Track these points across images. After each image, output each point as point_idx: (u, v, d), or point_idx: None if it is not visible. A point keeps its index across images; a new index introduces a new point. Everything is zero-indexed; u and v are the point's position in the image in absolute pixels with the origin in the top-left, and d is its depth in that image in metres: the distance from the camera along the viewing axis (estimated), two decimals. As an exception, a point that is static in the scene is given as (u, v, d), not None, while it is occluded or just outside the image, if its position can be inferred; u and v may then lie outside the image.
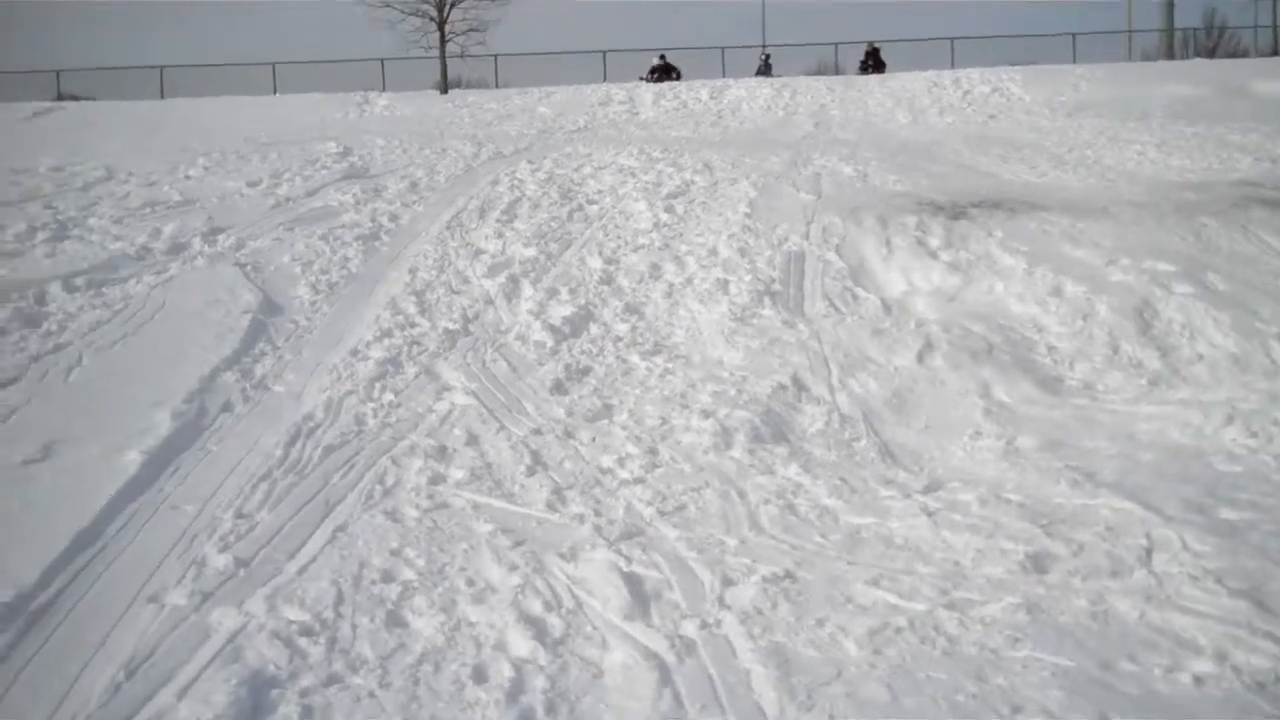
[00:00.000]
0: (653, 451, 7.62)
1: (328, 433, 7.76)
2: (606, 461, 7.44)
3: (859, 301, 11.08)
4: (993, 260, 11.73)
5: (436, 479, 7.04)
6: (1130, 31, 46.08)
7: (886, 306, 10.94)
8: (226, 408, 8.15)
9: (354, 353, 9.37)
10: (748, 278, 11.45)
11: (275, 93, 38.92)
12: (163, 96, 38.96)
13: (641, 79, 35.59)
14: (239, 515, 6.40)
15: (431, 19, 37.07)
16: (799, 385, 9.08)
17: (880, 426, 8.49)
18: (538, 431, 7.97)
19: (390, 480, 6.98)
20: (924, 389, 9.14)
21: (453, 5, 37.07)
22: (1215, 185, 14.65)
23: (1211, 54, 51.83)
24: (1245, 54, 47.91)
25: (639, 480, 7.13)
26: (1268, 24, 43.33)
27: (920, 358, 9.59)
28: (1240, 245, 11.81)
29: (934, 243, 12.22)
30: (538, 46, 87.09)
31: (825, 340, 9.99)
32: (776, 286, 11.33)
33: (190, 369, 8.70)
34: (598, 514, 6.54)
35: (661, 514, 6.56)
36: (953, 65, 36.44)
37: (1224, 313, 10.15)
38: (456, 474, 7.13)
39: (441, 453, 7.48)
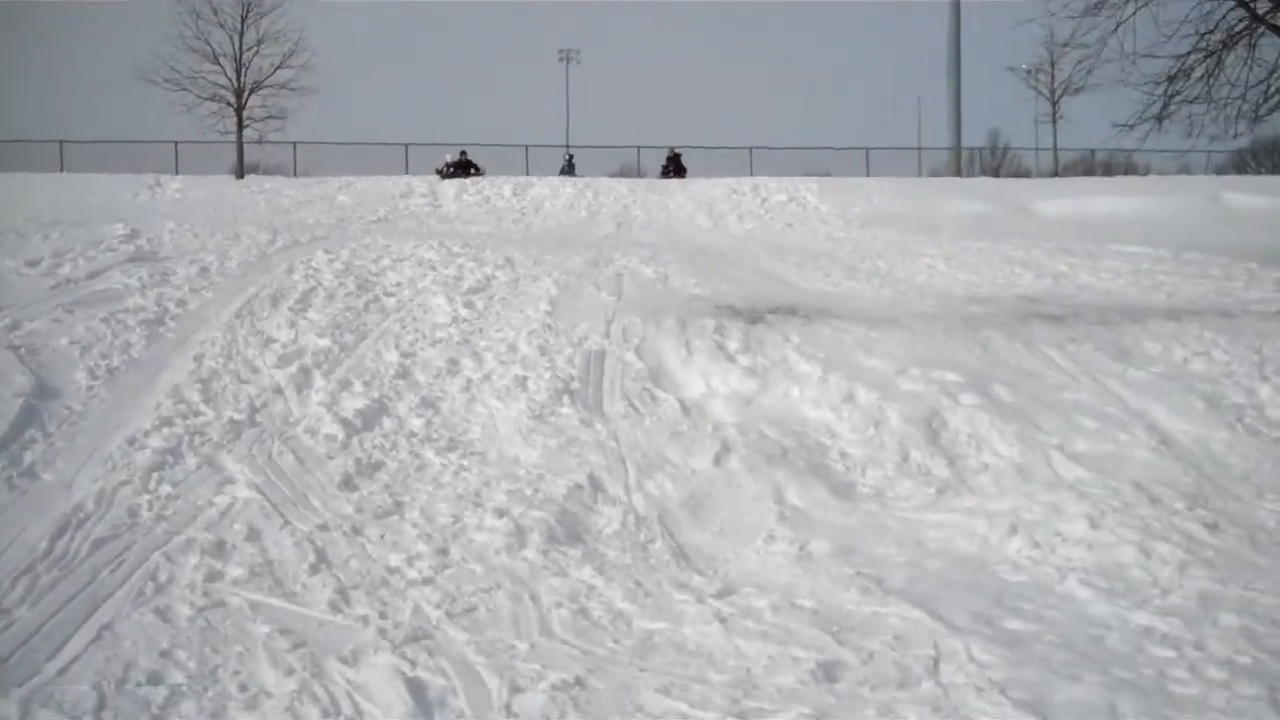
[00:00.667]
0: (443, 551, 7.40)
1: (98, 525, 7.32)
2: (395, 560, 7.19)
3: (658, 402, 11.06)
4: (789, 366, 11.87)
5: (213, 576, 6.69)
6: (920, 149, 48.20)
7: (685, 408, 10.94)
8: (-11, 497, 7.64)
9: (131, 441, 8.91)
10: (547, 375, 11.34)
11: (62, 171, 37.69)
12: (-62, 169, 37.31)
13: (437, 171, 35.02)
14: (-6, 612, 5.95)
15: (229, 104, 36.53)
16: (595, 485, 8.97)
17: (676, 529, 8.42)
18: (324, 528, 7.67)
19: (163, 576, 6.61)
20: (720, 492, 9.13)
21: (252, 92, 36.58)
22: (1000, 299, 15.20)
23: (996, 173, 54.49)
24: (1027, 174, 50.52)
25: (428, 581, 6.90)
26: (1048, 146, 45.77)
27: (717, 460, 9.59)
28: (1024, 359, 12.21)
29: (732, 346, 12.32)
30: (339, 136, 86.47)
31: (623, 440, 9.93)
32: (576, 385, 11.25)
33: (-49, 454, 8.14)
34: (383, 616, 6.29)
35: (450, 616, 6.34)
36: (751, 173, 37.37)
37: (1009, 424, 10.43)
38: (235, 571, 6.79)
39: (220, 548, 7.12)
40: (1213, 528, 8.00)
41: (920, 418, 10.58)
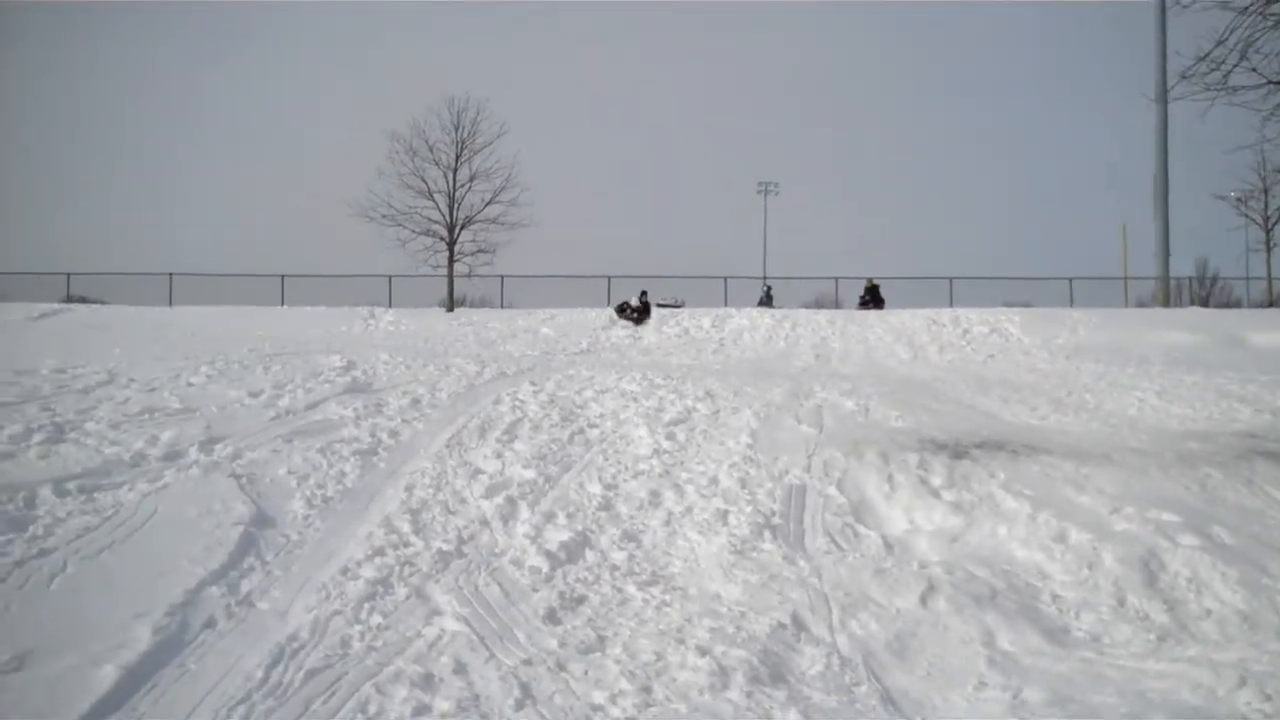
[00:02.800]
0: (646, 689, 7.36)
1: (311, 655, 7.51)
2: (599, 698, 7.18)
3: (860, 539, 10.91)
4: (995, 503, 11.59)
5: (421, 709, 6.78)
6: (1126, 278, 47.02)
7: (888, 545, 10.76)
8: (209, 624, 7.91)
9: (344, 571, 9.16)
10: (748, 509, 11.31)
11: (282, 304, 39.46)
12: (171, 303, 39.46)
13: (618, 310, 33.17)
14: (214, 741, 6.13)
15: (441, 239, 37.85)
16: (798, 624, 8.85)
17: (881, 672, 8.23)
18: (528, 662, 7.72)
19: (373, 709, 6.72)
20: (926, 633, 8.90)
21: (463, 227, 37.85)
22: (1218, 436, 14.63)
23: (1205, 303, 52.77)
24: (1238, 304, 48.81)
25: (631, 719, 6.86)
26: (1260, 275, 44.27)
27: (923, 600, 9.37)
28: (1245, 498, 11.69)
29: (936, 482, 12.11)
30: (545, 269, 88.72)
31: (826, 578, 9.79)
32: (777, 520, 11.18)
33: (176, 581, 8.48)
34: (588, 754, 6.26)
35: (655, 757, 6.28)
36: (951, 304, 36.99)
37: (1232, 568, 9.96)
38: (443, 705, 6.87)
39: (428, 681, 7.22)
40: None
41: (1137, 559, 10.18)
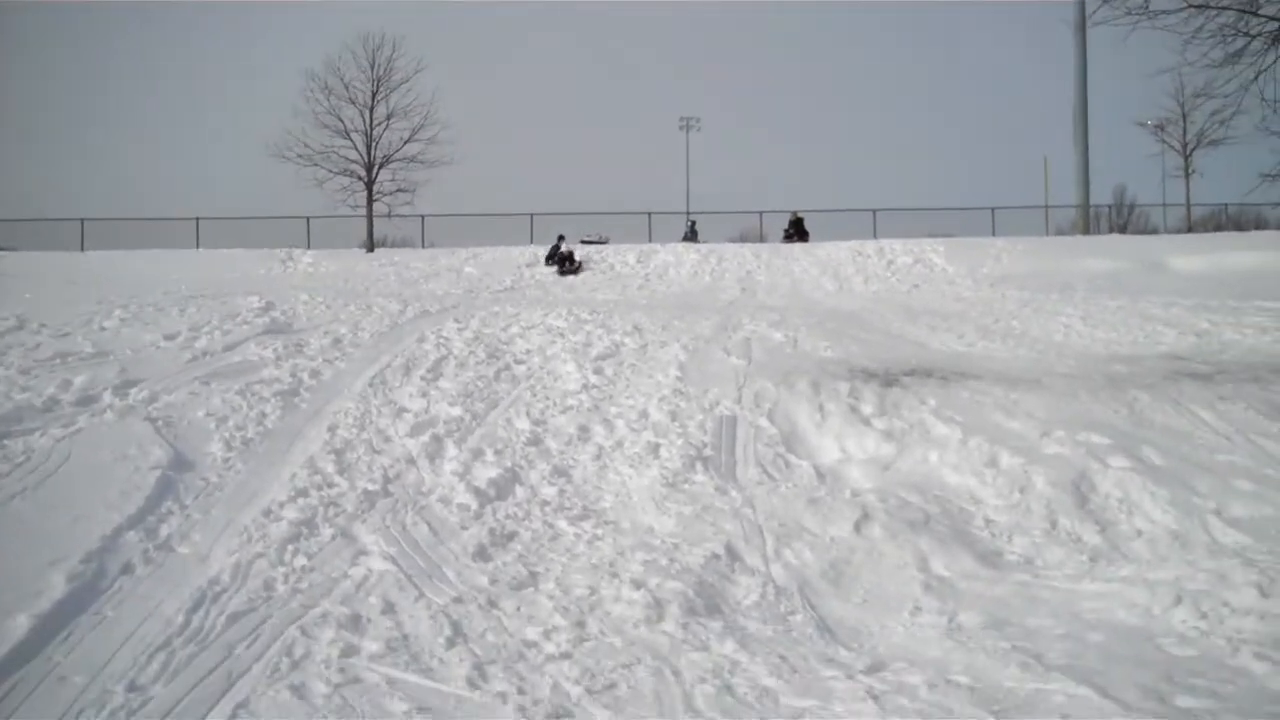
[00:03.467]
0: (580, 624, 7.22)
1: (234, 598, 7.28)
2: (531, 634, 7.03)
3: (792, 468, 10.82)
4: (926, 429, 11.54)
5: (349, 650, 6.58)
6: (1047, 207, 47.33)
7: (820, 474, 10.69)
8: (127, 569, 7.64)
9: (266, 513, 8.91)
10: (679, 442, 11.17)
11: (198, 247, 38.68)
12: (83, 248, 38.53)
13: (547, 261, 31.55)
14: (131, 688, 5.91)
15: (360, 179, 37.16)
16: (733, 555, 8.74)
17: (817, 600, 8.15)
18: (459, 600, 7.54)
19: (299, 652, 6.51)
20: (861, 560, 8.83)
21: (381, 166, 37.19)
22: (1143, 359, 14.69)
23: (1123, 230, 53.31)
24: (1154, 231, 49.31)
25: (566, 655, 6.71)
26: (1177, 202, 44.73)
27: (857, 528, 9.30)
28: (1173, 420, 11.72)
29: (867, 410, 12.04)
30: (465, 208, 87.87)
31: (759, 508, 9.69)
32: (708, 451, 11.06)
33: (92, 527, 8.18)
34: (521, 692, 6.10)
35: (590, 693, 6.13)
36: (876, 236, 36.99)
37: (1162, 488, 9.98)
38: (371, 646, 6.67)
39: (355, 622, 7.02)
40: (1396, 597, 7.49)
41: (1068, 482, 10.18)
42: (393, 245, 42.67)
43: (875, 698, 6.06)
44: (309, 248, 37.22)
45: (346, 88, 37.11)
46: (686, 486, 10.17)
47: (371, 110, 37.12)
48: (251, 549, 8.18)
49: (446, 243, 39.24)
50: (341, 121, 37.04)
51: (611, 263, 30.83)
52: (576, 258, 31.07)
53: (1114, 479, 10.21)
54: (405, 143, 37.07)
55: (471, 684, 6.20)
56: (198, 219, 41.55)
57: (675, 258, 31.35)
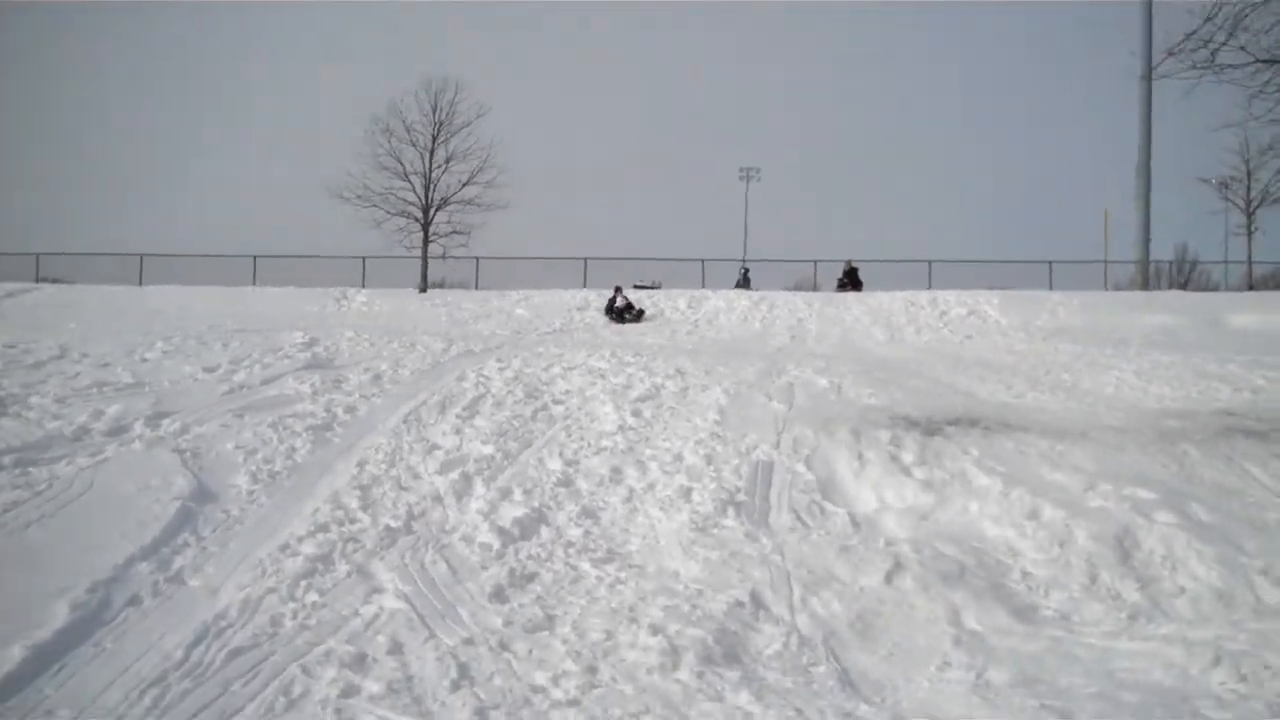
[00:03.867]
0: (592, 669, 7.00)
1: (238, 634, 7.13)
2: (541, 679, 6.82)
3: (827, 516, 10.57)
4: (968, 480, 11.25)
5: (349, 691, 6.40)
6: (1106, 261, 46.71)
7: (855, 523, 10.42)
8: (134, 601, 7.52)
9: (283, 548, 8.77)
10: (712, 486, 10.95)
11: (255, 285, 38.95)
12: (141, 283, 38.91)
13: (606, 313, 29.83)
14: (119, 724, 5.75)
15: (416, 220, 37.33)
16: (757, 603, 8.50)
17: (842, 652, 7.89)
18: (470, 642, 7.34)
19: (297, 690, 6.34)
20: (890, 612, 8.56)
21: (439, 209, 37.35)
22: (1196, 414, 14.29)
23: (1184, 287, 52.51)
24: (1215, 288, 48.53)
25: (573, 702, 6.50)
26: (1240, 259, 43.93)
27: (888, 578, 9.02)
28: (1223, 476, 11.35)
29: (907, 459, 11.76)
30: (521, 251, 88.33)
31: (789, 556, 9.44)
32: (742, 497, 10.82)
33: (104, 557, 8.09)
34: (522, 739, 5.89)
35: (594, 742, 5.91)
36: (930, 286, 36.64)
37: (1208, 545, 9.63)
38: (372, 687, 6.49)
39: (360, 661, 6.85)
40: None
41: (1111, 537, 9.84)
42: (448, 286, 42.77)
43: (889, 755, 5.79)
44: (364, 287, 37.41)
45: (408, 130, 37.42)
46: (716, 531, 9.94)
47: (431, 153, 37.35)
48: (264, 584, 8.04)
49: (500, 285, 39.28)
50: (401, 164, 37.31)
51: (662, 308, 30.67)
52: (635, 305, 30.33)
53: (1159, 535, 9.87)
54: (463, 185, 37.27)
55: (472, 729, 6.00)
56: (255, 257, 41.91)
57: (726, 304, 31.16)
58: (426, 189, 37.31)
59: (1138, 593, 9.10)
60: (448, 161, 37.40)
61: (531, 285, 35.83)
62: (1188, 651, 7.48)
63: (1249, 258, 42.46)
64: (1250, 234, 41.58)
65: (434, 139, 37.39)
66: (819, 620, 8.34)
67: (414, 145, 37.34)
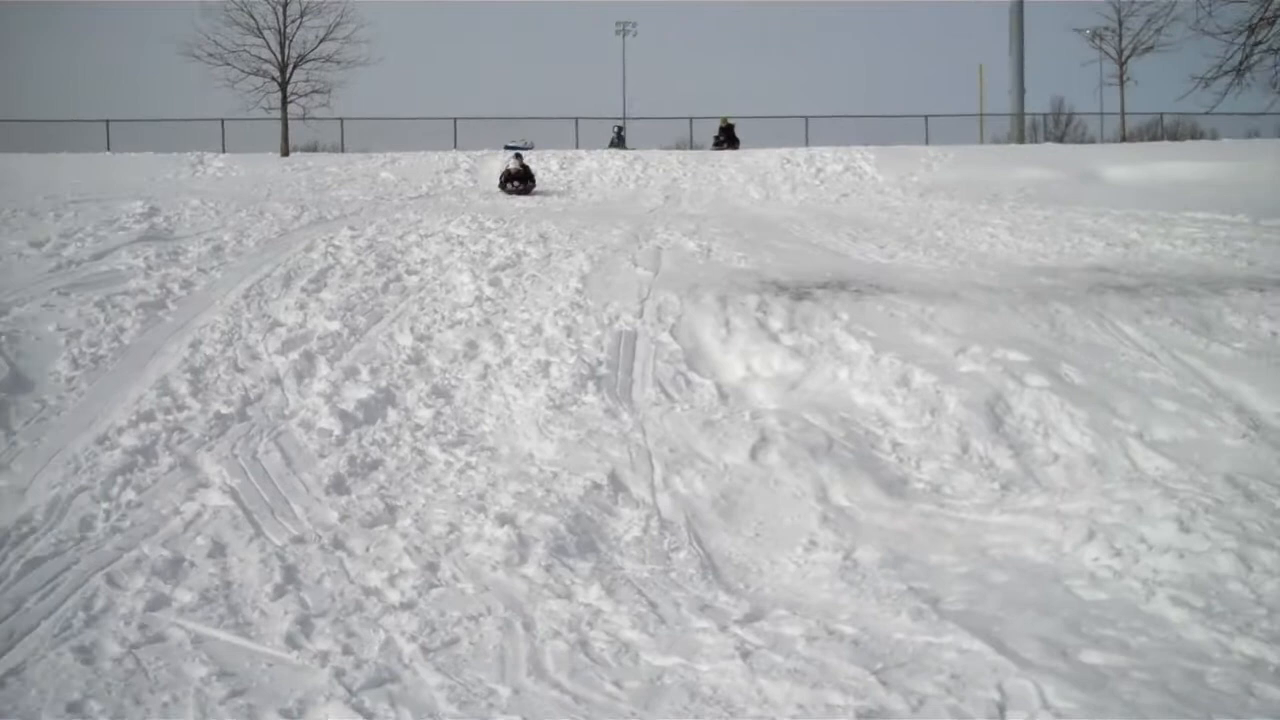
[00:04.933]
0: (432, 567, 6.49)
1: (41, 540, 6.47)
2: (375, 579, 6.29)
3: (693, 387, 10.12)
4: (837, 345, 10.86)
5: (158, 602, 5.81)
6: (981, 115, 46.61)
7: (723, 394, 10.00)
8: (-76, 507, 6.81)
9: (101, 440, 8.06)
10: (571, 359, 10.41)
11: (109, 150, 37.17)
12: (-13, 151, 36.92)
13: (501, 187, 26.37)
14: (-113, 653, 5.10)
15: (273, 78, 35.68)
16: (616, 484, 8.05)
17: (705, 534, 7.48)
18: (300, 540, 6.77)
19: (100, 604, 5.73)
20: (756, 490, 8.16)
21: (296, 66, 35.71)
22: (1068, 270, 14.05)
23: (1060, 140, 52.70)
24: (1092, 140, 48.74)
25: (409, 605, 5.98)
26: (1114, 111, 43.96)
27: (753, 454, 8.60)
28: (1096, 335, 11.10)
29: (776, 325, 11.32)
30: (390, 112, 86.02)
31: (650, 432, 8.97)
32: (603, 370, 10.31)
33: (-112, 460, 7.32)
34: (346, 651, 5.37)
35: (426, 651, 5.41)
36: (807, 143, 36.17)
37: (1081, 408, 9.38)
38: (184, 596, 5.90)
39: (174, 568, 6.24)
40: (1323, 532, 6.91)
41: (982, 402, 9.55)
42: (320, 150, 41.26)
43: (746, 654, 5.38)
44: (224, 151, 35.88)
45: (258, -18, 35.48)
46: (574, 409, 9.43)
47: (285, 6, 35.53)
48: (76, 481, 7.35)
49: (372, 147, 37.96)
50: (253, 18, 35.43)
51: (534, 170, 29.79)
52: (529, 171, 26.65)
53: (1030, 399, 9.60)
54: (320, 41, 35.55)
55: (291, 642, 5.45)
56: (108, 121, 39.99)
57: (599, 164, 30.33)
58: (282, 45, 35.53)
59: (1010, 460, 8.84)
60: (302, 15, 35.59)
61: (401, 148, 34.60)
62: (1061, 525, 7.18)
63: (1122, 109, 42.57)
64: (1123, 85, 41.60)
65: (286, -10, 35.55)
66: (681, 501, 7.92)
67: (266, -1, 35.50)
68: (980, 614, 5.91)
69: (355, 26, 35.90)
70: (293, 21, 35.64)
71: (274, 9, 35.56)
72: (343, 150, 38.64)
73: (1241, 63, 16.14)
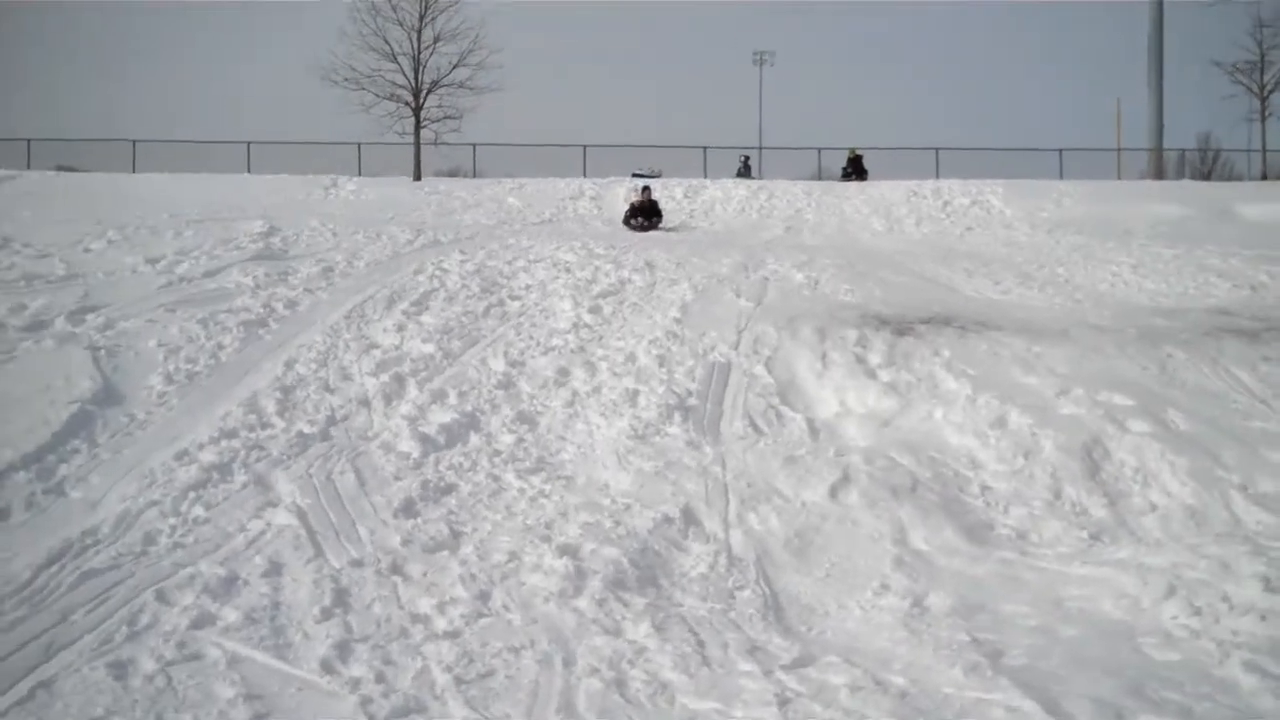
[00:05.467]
0: (484, 596, 6.43)
1: (101, 553, 6.55)
2: (425, 606, 6.25)
3: (783, 422, 9.94)
4: (935, 383, 10.59)
5: (203, 620, 5.83)
6: (1119, 150, 45.43)
7: (814, 429, 9.80)
8: (1, 515, 6.94)
9: (180, 455, 8.16)
10: (660, 389, 10.29)
11: (249, 172, 38.09)
12: (134, 170, 38.08)
13: (625, 223, 24.68)
14: (-69, 660, 5.18)
15: (406, 103, 36.26)
16: (689, 518, 7.91)
17: (775, 573, 7.32)
18: (358, 563, 6.77)
19: (145, 620, 5.77)
20: (833, 529, 7.96)
21: (429, 92, 36.26)
22: (1188, 312, 13.55)
23: (1207, 177, 51.08)
24: (1239, 178, 47.14)
25: (454, 634, 5.92)
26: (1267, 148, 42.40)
27: (833, 492, 8.40)
28: (1207, 379, 10.67)
29: (874, 360, 11.09)
30: (523, 138, 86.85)
31: (730, 466, 8.81)
32: (692, 401, 10.18)
33: (-20, 467, 7.49)
34: (379, 679, 5.32)
35: (459, 682, 5.34)
36: (937, 176, 35.63)
37: (1182, 457, 8.99)
38: (230, 615, 5.91)
39: (227, 586, 6.26)
40: None
41: (1079, 447, 9.22)
42: (452, 175, 41.81)
43: (784, 702, 5.21)
44: (359, 174, 36.54)
45: (394, 8, 36.12)
46: (657, 439, 9.32)
47: (419, 32, 36.10)
48: (148, 495, 7.45)
49: (501, 172, 38.35)
50: (388, 44, 36.09)
51: (658, 197, 29.80)
52: (656, 206, 24.90)
53: (1130, 445, 9.23)
54: (454, 67, 36.08)
55: (326, 666, 5.42)
56: (249, 143, 40.99)
57: (724, 194, 30.19)
58: (416, 70, 36.11)
59: (1104, 509, 8.50)
60: (436, 41, 36.14)
61: (529, 174, 34.92)
62: (1141, 580, 6.86)
63: (1264, 145, 41.08)
64: (1264, 120, 40.15)
65: (421, 17, 36.11)
66: (754, 538, 7.76)
67: (401, 24, 36.09)
68: (1040, 670, 5.65)
69: (488, 53, 36.38)
70: (426, 48, 36.21)
71: (409, 35, 36.17)
72: (474, 175, 39.10)
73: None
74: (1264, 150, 40.75)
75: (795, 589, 7.12)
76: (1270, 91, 39.52)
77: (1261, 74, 39.65)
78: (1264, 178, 38.69)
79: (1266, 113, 39.86)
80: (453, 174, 42.02)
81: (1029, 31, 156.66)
